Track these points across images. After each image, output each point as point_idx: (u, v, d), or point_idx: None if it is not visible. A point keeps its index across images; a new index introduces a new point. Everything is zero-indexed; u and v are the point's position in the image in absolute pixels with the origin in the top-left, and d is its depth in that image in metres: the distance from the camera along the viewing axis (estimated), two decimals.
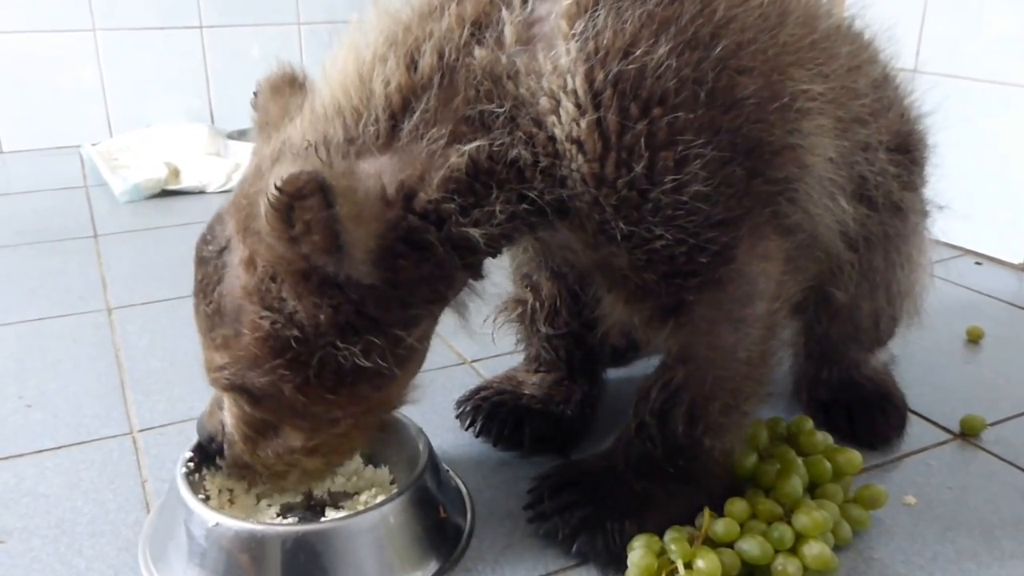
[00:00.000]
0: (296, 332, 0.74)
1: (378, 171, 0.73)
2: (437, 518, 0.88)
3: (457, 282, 0.81)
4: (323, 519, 0.91)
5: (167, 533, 0.86)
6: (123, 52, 2.57)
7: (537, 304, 1.06)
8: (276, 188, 0.65)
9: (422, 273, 0.76)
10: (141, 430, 1.11)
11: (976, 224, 1.70)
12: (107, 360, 1.30)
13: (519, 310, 1.09)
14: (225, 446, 0.85)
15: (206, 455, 0.89)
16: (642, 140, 0.73)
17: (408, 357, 0.81)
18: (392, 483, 0.97)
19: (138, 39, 2.57)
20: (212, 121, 2.68)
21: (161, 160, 2.24)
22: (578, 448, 1.07)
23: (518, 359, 1.16)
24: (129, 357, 1.30)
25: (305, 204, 0.66)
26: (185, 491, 0.85)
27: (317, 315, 0.73)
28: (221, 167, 2.26)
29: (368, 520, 0.83)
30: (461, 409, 1.11)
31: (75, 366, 1.28)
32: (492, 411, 1.08)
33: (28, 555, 0.89)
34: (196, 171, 2.23)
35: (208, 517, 0.82)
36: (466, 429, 1.09)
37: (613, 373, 1.20)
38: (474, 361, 1.30)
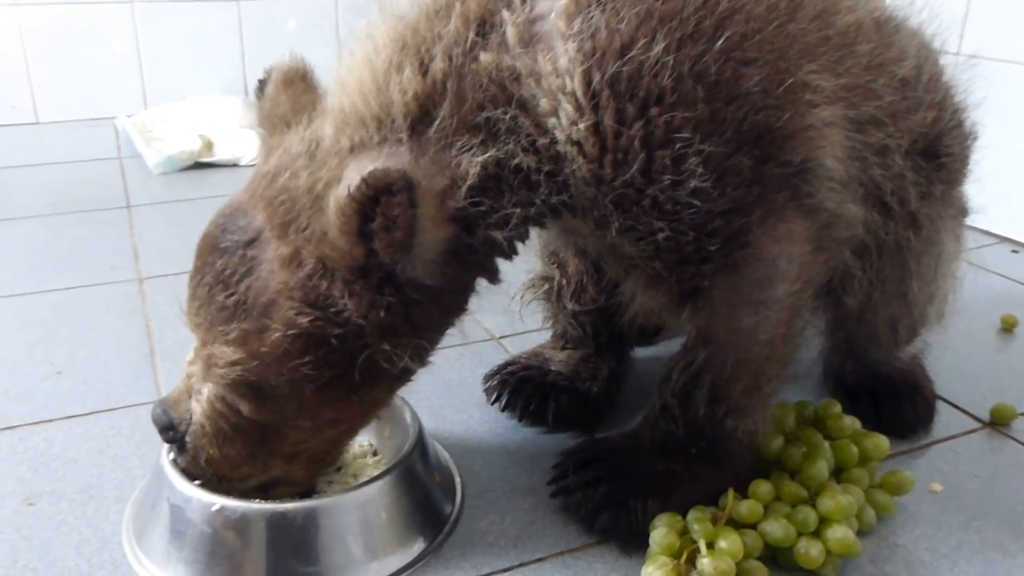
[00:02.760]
0: (339, 330, 0.73)
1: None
2: (427, 495, 0.88)
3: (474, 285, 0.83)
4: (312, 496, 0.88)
5: (150, 513, 0.85)
6: (159, 24, 2.57)
7: (564, 281, 1.06)
8: (363, 182, 0.66)
9: (463, 279, 0.78)
10: None
11: (1014, 211, 1.68)
12: (137, 329, 1.31)
13: (546, 287, 1.09)
14: (188, 439, 0.80)
15: None
16: (637, 141, 0.72)
17: (427, 358, 0.83)
18: (375, 453, 0.97)
19: (175, 10, 2.57)
20: (247, 94, 2.68)
21: (195, 132, 2.25)
22: (603, 426, 1.06)
23: (546, 336, 1.16)
24: (159, 327, 1.32)
25: (394, 200, 0.67)
26: (171, 470, 0.83)
27: (368, 314, 0.73)
28: (255, 140, 2.24)
29: (356, 498, 0.83)
30: (487, 384, 1.12)
31: (106, 335, 1.29)
32: (518, 386, 1.08)
33: (56, 518, 0.90)
34: (229, 144, 2.23)
35: (193, 494, 0.81)
36: (492, 403, 1.10)
37: (641, 352, 1.19)
38: (502, 337, 1.30)
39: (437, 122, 0.73)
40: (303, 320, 0.73)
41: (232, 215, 0.77)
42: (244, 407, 0.77)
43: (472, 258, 0.77)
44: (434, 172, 0.73)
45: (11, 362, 1.21)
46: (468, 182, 0.73)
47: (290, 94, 0.81)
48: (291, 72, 0.83)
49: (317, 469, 0.87)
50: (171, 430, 0.81)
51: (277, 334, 0.73)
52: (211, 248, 0.76)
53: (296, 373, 0.75)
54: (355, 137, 0.74)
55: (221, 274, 0.75)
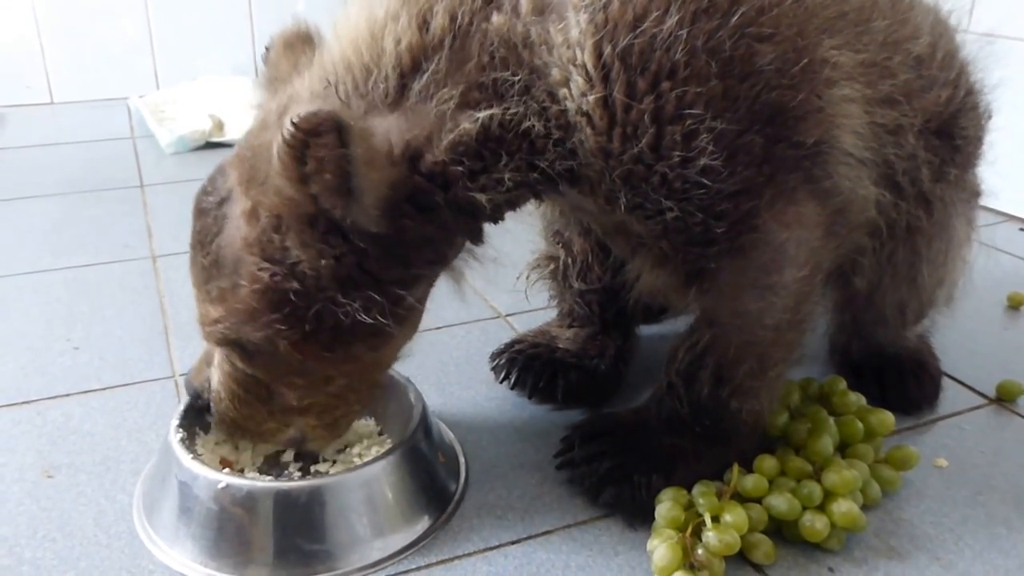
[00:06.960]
0: (296, 285, 0.73)
1: (386, 129, 0.72)
2: (431, 474, 0.89)
3: (456, 245, 0.81)
4: (316, 474, 0.90)
5: (159, 489, 0.87)
6: (171, 5, 2.57)
7: (569, 260, 1.06)
8: (292, 125, 0.65)
9: (425, 234, 0.75)
10: (183, 374, 1.12)
11: (1022, 189, 1.67)
12: (151, 306, 1.33)
13: (551, 266, 1.09)
14: (212, 403, 0.84)
15: (197, 416, 0.90)
16: (647, 115, 0.72)
17: (407, 317, 0.81)
18: (380, 434, 0.98)
19: None
20: (257, 74, 2.67)
21: (206, 112, 2.26)
22: (611, 402, 1.07)
23: (552, 314, 1.16)
24: (172, 304, 1.33)
25: (320, 141, 0.66)
26: (178, 447, 0.85)
27: (319, 265, 0.72)
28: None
29: (361, 476, 0.83)
30: (496, 362, 1.12)
31: (121, 311, 1.31)
32: (527, 364, 1.09)
33: (74, 490, 0.92)
34: (240, 124, 2.21)
35: (200, 472, 0.82)
36: (501, 381, 1.10)
37: (649, 329, 1.20)
38: (508, 315, 1.30)
39: (427, 74, 0.72)
40: (264, 275, 0.73)
41: (214, 177, 0.78)
42: (239, 362, 0.79)
43: (439, 214, 0.75)
44: (408, 125, 0.72)
45: (29, 338, 1.23)
46: (452, 137, 0.71)
47: (289, 56, 0.81)
48: (292, 35, 0.82)
49: (334, 421, 0.86)
50: (199, 397, 0.85)
51: (245, 290, 0.74)
52: (196, 211, 0.78)
53: (269, 329, 0.75)
54: (332, 85, 0.73)
55: (199, 234, 0.76)
